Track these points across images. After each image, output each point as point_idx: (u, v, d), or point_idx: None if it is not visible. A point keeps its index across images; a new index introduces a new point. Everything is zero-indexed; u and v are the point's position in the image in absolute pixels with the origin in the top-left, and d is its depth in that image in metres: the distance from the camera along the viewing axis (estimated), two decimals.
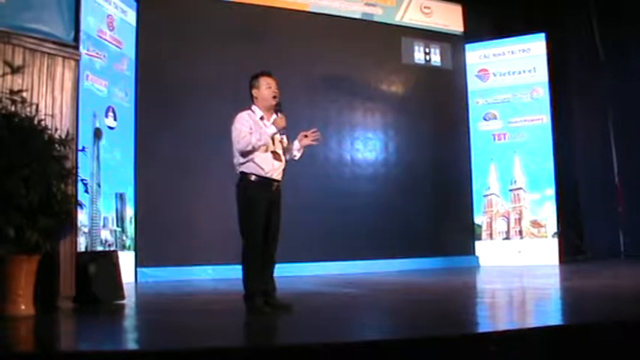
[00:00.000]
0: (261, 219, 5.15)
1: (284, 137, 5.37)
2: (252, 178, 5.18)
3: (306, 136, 5.46)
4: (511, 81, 12.56)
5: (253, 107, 5.38)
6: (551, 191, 12.03)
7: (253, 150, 5.15)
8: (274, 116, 5.33)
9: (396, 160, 11.94)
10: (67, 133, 5.58)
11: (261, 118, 5.32)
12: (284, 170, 5.38)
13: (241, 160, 5.20)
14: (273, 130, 5.25)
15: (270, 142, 5.23)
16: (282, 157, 5.35)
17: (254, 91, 5.39)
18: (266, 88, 5.34)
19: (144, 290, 8.11)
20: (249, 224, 5.15)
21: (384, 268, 10.69)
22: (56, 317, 5.25)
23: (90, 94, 8.46)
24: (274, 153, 5.26)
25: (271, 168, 5.22)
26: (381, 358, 3.52)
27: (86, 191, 6.15)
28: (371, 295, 7.21)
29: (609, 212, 12.43)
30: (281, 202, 5.33)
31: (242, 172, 5.23)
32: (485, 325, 4.71)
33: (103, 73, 8.87)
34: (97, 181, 8.51)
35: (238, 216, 5.22)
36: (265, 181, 5.20)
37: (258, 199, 5.15)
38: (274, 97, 5.33)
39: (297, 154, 5.48)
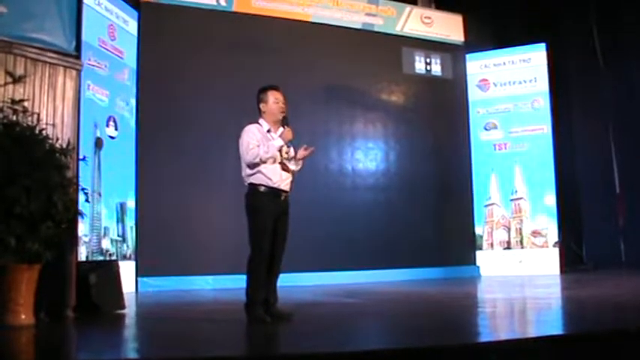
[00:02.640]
0: (269, 229, 5.19)
1: (291, 149, 5.39)
2: (261, 189, 5.22)
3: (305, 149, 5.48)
4: (512, 91, 12.58)
5: (260, 120, 5.42)
6: (552, 201, 12.03)
7: (261, 162, 5.20)
8: (281, 129, 5.37)
9: (396, 170, 11.94)
10: (68, 142, 5.59)
11: (268, 131, 5.37)
12: (292, 182, 5.41)
13: (249, 171, 5.25)
14: (280, 142, 5.28)
15: (278, 154, 5.27)
16: (289, 169, 5.37)
17: (262, 105, 5.42)
18: (274, 103, 5.38)
19: (144, 300, 8.11)
20: (257, 234, 5.18)
21: (384, 278, 10.68)
22: (56, 327, 5.24)
23: (91, 103, 8.48)
24: (282, 164, 5.29)
25: (279, 179, 5.26)
26: None
27: (87, 200, 6.15)
28: (372, 305, 7.20)
29: (610, 221, 12.41)
30: (289, 213, 5.37)
31: (251, 184, 5.27)
32: (486, 335, 4.70)
33: (104, 83, 8.89)
34: (97, 191, 8.52)
35: (248, 226, 5.24)
36: (274, 192, 5.24)
37: (266, 210, 5.19)
38: (282, 111, 5.38)
39: (294, 167, 5.48)
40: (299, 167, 5.48)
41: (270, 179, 5.22)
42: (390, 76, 12.18)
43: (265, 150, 5.19)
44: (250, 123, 5.39)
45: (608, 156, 12.75)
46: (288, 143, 5.34)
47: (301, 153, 5.43)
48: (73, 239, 5.97)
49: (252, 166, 5.22)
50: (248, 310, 5.14)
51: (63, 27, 7.12)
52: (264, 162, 5.20)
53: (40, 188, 4.96)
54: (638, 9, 11.74)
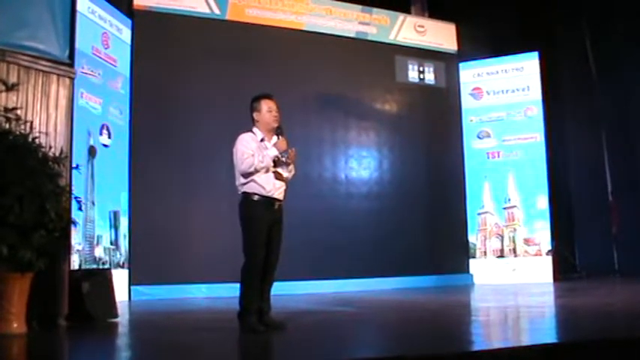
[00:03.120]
0: (262, 237, 5.17)
1: (284, 158, 5.37)
2: (255, 197, 5.21)
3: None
4: (505, 99, 12.62)
5: (254, 129, 5.41)
6: (545, 209, 12.04)
7: (255, 171, 5.19)
8: (275, 138, 5.37)
9: (389, 178, 11.95)
10: (62, 150, 5.59)
11: (262, 140, 5.36)
12: (285, 190, 5.40)
13: (243, 180, 5.24)
14: (275, 152, 5.29)
15: (272, 163, 5.26)
16: (282, 176, 5.36)
17: (255, 114, 5.41)
18: (267, 111, 5.37)
19: (137, 308, 8.07)
20: (251, 242, 5.17)
21: (378, 287, 10.67)
22: (49, 335, 5.22)
23: (84, 111, 8.47)
24: (275, 173, 5.28)
25: (272, 187, 5.25)
26: None
27: (80, 209, 6.13)
28: (365, 314, 7.19)
29: (603, 229, 12.45)
30: (283, 222, 5.36)
31: (244, 192, 5.26)
32: (479, 344, 4.69)
33: (97, 91, 8.88)
34: (91, 199, 8.50)
35: (242, 234, 5.23)
36: (267, 201, 5.23)
37: (260, 218, 5.18)
38: (275, 120, 5.37)
39: (287, 174, 5.46)
40: (292, 173, 5.48)
41: (263, 188, 5.21)
42: (383, 84, 12.20)
43: (260, 159, 5.18)
44: (244, 131, 5.39)
45: (601, 164, 12.80)
46: (283, 153, 5.34)
47: (291, 156, 5.41)
48: (66, 248, 5.95)
49: (246, 175, 5.21)
50: (241, 318, 5.13)
51: (56, 35, 7.10)
52: (258, 171, 5.20)
53: (33, 197, 4.95)
54: (630, 18, 11.82)
